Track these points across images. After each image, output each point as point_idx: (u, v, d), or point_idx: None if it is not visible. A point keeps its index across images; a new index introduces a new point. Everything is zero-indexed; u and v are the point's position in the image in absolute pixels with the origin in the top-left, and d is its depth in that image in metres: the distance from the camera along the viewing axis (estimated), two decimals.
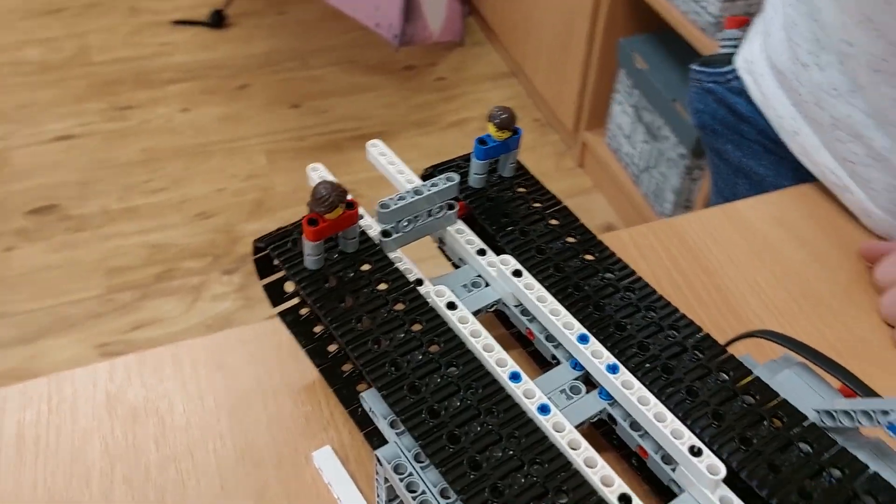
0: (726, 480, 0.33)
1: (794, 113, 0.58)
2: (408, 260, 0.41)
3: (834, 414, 0.35)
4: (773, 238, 0.55)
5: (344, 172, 1.50)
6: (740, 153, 0.65)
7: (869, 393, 0.35)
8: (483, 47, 2.06)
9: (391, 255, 0.40)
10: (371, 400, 0.36)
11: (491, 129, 0.42)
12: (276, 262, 0.39)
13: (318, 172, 0.45)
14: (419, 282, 0.40)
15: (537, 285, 0.39)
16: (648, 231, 0.55)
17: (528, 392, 0.35)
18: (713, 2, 1.17)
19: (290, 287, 0.43)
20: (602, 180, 1.68)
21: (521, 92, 1.93)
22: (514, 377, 0.36)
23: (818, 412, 0.35)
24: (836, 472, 0.33)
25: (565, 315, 0.38)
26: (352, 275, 0.39)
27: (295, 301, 0.43)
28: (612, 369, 0.36)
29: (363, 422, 0.41)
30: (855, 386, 0.36)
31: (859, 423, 0.34)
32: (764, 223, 0.56)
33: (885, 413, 0.33)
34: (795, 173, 0.61)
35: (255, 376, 0.44)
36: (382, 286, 0.38)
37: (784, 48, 0.57)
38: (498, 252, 0.41)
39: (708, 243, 0.55)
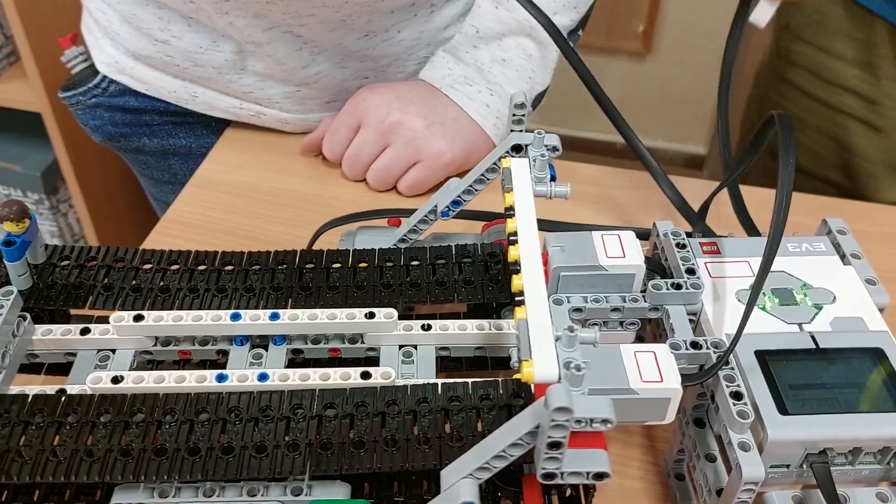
0: None
1: (181, 83, 0.66)
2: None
3: None
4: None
5: None
6: (158, 139, 0.71)
7: None
8: None
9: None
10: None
11: (9, 227, 0.41)
12: None
13: None
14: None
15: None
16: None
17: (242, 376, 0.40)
18: None
19: None
20: None
21: None
22: (221, 378, 0.39)
23: None
24: None
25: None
26: None
27: None
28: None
29: None
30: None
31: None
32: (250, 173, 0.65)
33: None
34: (212, 128, 0.70)
35: None
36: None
37: (137, 38, 0.63)
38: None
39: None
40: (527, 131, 0.45)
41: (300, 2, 0.58)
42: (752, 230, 0.50)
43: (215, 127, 0.70)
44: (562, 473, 0.31)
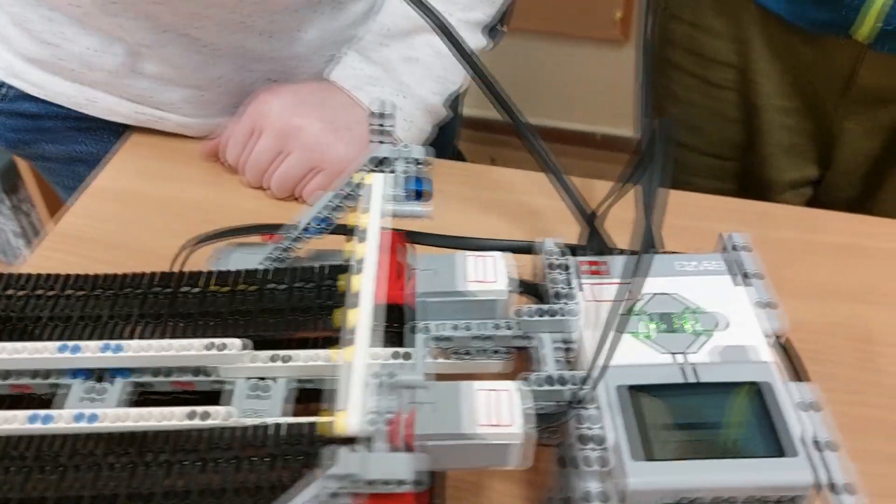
0: None
1: (77, 87, 0.62)
2: None
3: None
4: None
5: None
6: (61, 146, 0.68)
7: None
8: None
9: None
10: None
11: None
12: None
13: None
14: None
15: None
16: None
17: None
18: None
19: None
20: None
21: None
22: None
23: None
24: None
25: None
26: None
27: None
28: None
29: None
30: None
31: None
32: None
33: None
34: (117, 133, 0.67)
35: None
36: None
37: (29, 41, 0.60)
38: None
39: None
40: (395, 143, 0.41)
41: (190, 2, 0.55)
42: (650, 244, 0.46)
43: (121, 132, 0.66)
44: None
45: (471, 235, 0.47)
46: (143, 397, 0.41)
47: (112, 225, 0.59)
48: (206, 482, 0.33)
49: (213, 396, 0.40)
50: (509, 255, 0.41)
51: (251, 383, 0.40)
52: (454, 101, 0.64)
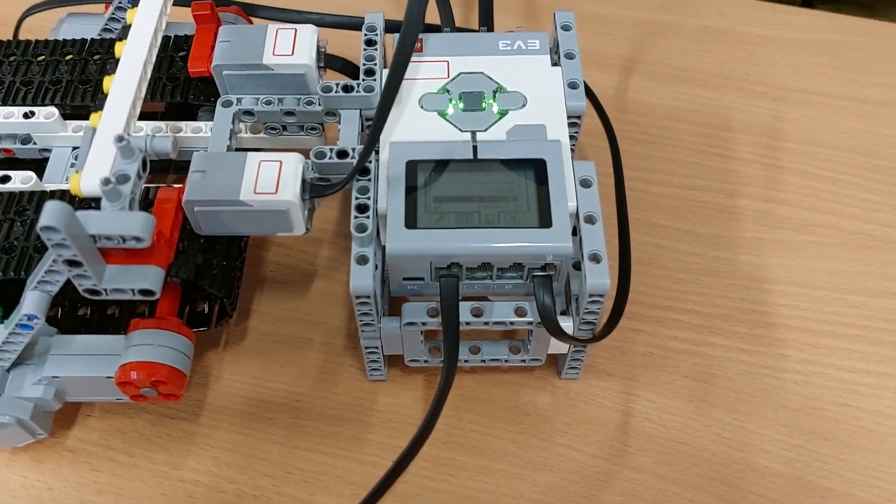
0: None
1: None
2: None
3: None
4: None
5: None
6: None
7: None
8: None
9: None
10: None
11: None
12: None
13: None
14: None
15: None
16: None
17: None
18: None
19: None
20: None
21: None
22: None
23: None
24: None
25: None
26: None
27: None
28: None
29: None
30: None
31: None
32: None
33: None
34: None
35: None
36: None
37: None
38: None
39: None
40: None
41: None
42: (486, 23, 0.45)
43: None
44: (105, 290, 0.30)
45: (321, 10, 0.46)
46: None
47: None
48: (6, 243, 0.35)
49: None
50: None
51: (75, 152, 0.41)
52: None
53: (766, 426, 0.40)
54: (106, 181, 0.28)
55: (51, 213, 0.26)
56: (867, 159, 0.49)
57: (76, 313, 0.39)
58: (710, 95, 0.52)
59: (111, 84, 0.32)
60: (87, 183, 0.29)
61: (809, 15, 0.57)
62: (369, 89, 0.39)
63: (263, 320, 0.43)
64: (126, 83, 0.33)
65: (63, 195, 0.36)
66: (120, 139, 0.29)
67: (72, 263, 0.28)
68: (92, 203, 0.34)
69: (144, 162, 0.31)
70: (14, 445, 0.37)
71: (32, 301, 0.31)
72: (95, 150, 0.30)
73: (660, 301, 0.44)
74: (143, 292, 0.30)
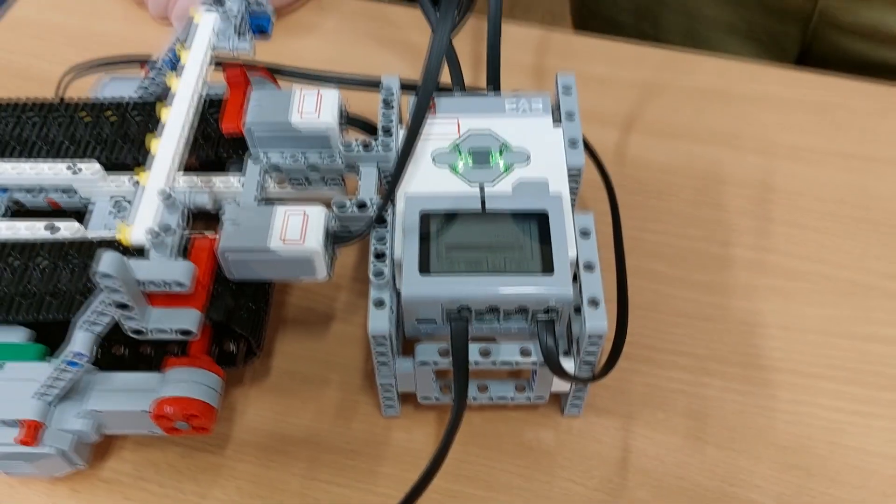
0: None
1: None
2: None
3: None
4: None
5: None
6: None
7: None
8: None
9: None
10: None
11: None
12: None
13: None
14: None
15: None
16: None
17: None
18: None
19: None
20: None
21: None
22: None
23: None
24: None
25: None
26: None
27: None
28: None
29: None
30: None
31: None
32: None
33: None
34: None
35: None
36: None
37: None
38: None
39: None
40: None
41: None
42: (493, 83, 0.49)
43: None
44: (150, 330, 0.33)
45: (342, 71, 0.50)
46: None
47: (18, 57, 0.62)
48: (53, 286, 0.39)
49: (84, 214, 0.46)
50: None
51: (114, 202, 0.45)
52: None
53: (757, 462, 0.42)
54: (155, 234, 0.31)
55: (107, 261, 0.29)
56: (852, 210, 0.52)
57: (111, 352, 0.42)
58: (704, 150, 0.55)
59: (157, 144, 0.36)
60: (136, 234, 0.33)
61: (798, 75, 0.61)
62: (387, 147, 0.42)
63: (285, 359, 0.46)
64: (170, 143, 0.36)
65: (109, 243, 0.40)
66: (167, 196, 0.32)
67: (121, 306, 0.31)
68: (133, 251, 0.38)
69: (185, 214, 0.34)
70: (54, 475, 0.40)
71: (80, 340, 0.34)
72: (143, 205, 0.34)
73: (657, 343, 0.47)
74: (184, 332, 0.33)
